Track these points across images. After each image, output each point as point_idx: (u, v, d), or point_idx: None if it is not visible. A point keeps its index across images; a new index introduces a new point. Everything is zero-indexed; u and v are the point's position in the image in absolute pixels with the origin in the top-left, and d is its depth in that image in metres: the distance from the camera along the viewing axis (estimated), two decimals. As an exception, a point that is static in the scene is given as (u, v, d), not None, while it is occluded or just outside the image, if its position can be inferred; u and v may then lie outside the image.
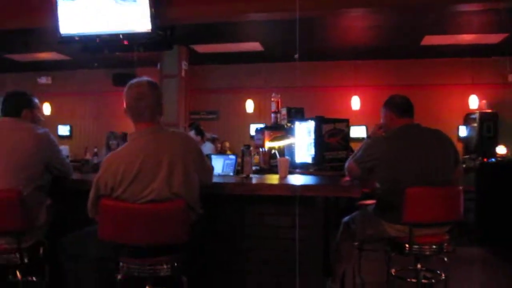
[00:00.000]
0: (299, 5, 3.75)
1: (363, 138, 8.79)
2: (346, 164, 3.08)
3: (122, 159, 2.17)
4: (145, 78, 2.36)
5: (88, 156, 3.78)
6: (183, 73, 7.43)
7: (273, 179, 3.14)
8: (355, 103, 8.90)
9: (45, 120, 3.02)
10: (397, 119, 2.98)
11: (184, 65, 7.43)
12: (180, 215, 2.14)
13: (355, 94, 8.92)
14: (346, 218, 3.23)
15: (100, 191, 2.18)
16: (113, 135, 7.10)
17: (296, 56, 8.01)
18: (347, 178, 3.06)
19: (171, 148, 2.21)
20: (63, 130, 10.49)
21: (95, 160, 4.82)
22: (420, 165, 2.79)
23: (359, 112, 8.89)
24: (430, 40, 7.45)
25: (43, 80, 10.33)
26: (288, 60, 7.30)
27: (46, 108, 9.89)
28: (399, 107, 3.00)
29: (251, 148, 3.64)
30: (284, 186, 2.64)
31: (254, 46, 7.94)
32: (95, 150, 6.18)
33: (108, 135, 7.13)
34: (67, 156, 3.31)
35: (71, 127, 10.53)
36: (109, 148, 6.90)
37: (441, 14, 5.80)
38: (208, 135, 6.56)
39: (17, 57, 8.77)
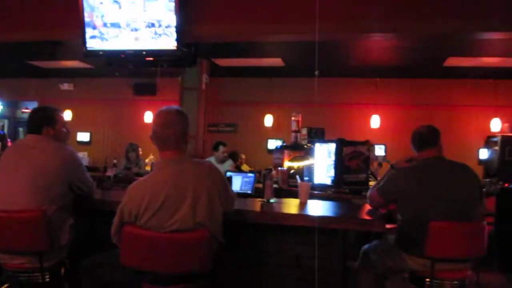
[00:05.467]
0: (319, 28, 3.73)
1: (382, 157, 8.77)
2: (369, 193, 3.07)
3: (147, 189, 2.19)
4: (174, 106, 2.38)
5: (109, 173, 3.79)
6: (203, 86, 7.47)
7: (294, 205, 3.14)
8: (375, 121, 8.83)
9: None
10: (419, 153, 2.97)
11: (205, 78, 7.47)
12: (204, 245, 2.14)
13: (375, 113, 8.86)
14: (365, 247, 3.19)
15: (124, 218, 2.21)
16: (132, 147, 7.21)
17: (317, 73, 8.01)
18: (369, 207, 3.05)
19: (196, 178, 2.23)
20: (83, 136, 10.61)
21: (115, 171, 4.87)
22: (443, 199, 2.76)
23: (378, 131, 8.83)
24: (453, 61, 7.39)
25: (65, 86, 10.49)
26: (309, 76, 7.28)
27: (67, 115, 10.03)
28: (418, 140, 2.99)
29: (273, 171, 3.65)
30: (304, 217, 2.63)
31: (275, 61, 7.97)
32: (115, 161, 6.25)
33: (127, 147, 7.27)
34: (86, 166, 3.32)
35: (91, 133, 10.65)
36: (128, 160, 7.02)
37: (464, 40, 5.76)
38: (222, 148, 6.62)
39: (41, 64, 8.92)
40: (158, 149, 2.32)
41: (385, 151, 8.93)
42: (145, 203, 2.14)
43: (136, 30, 4.56)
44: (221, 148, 6.61)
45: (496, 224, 5.36)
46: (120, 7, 4.62)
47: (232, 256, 2.60)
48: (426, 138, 2.97)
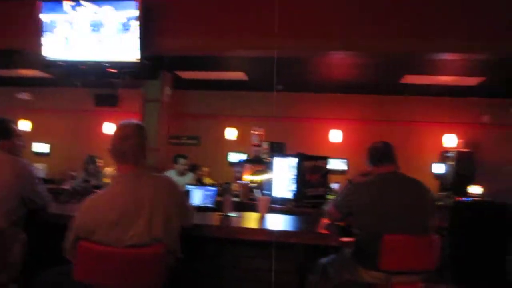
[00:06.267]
0: (279, 45, 3.82)
1: (342, 171, 8.93)
2: (327, 208, 3.12)
3: (103, 203, 2.16)
4: (134, 121, 2.37)
5: (66, 186, 3.72)
6: (165, 98, 7.42)
7: (253, 219, 3.16)
8: (334, 136, 9.01)
9: (23, 137, 2.95)
10: (374, 168, 3.04)
11: (167, 90, 7.43)
12: (158, 260, 2.12)
13: (335, 127, 9.04)
14: (323, 260, 3.24)
15: (79, 233, 2.16)
16: (91, 159, 7.06)
17: (280, 87, 8.14)
18: (327, 221, 3.10)
19: (153, 192, 2.21)
20: (42, 147, 10.30)
21: (73, 184, 4.76)
22: (398, 213, 2.83)
23: (340, 146, 9.00)
24: (409, 79, 7.64)
25: (23, 96, 10.17)
26: (271, 90, 7.38)
27: (25, 125, 9.73)
28: (373, 156, 3.06)
29: (233, 185, 3.67)
30: (262, 231, 2.65)
31: (239, 75, 8.02)
32: (73, 173, 6.13)
33: (86, 159, 7.11)
34: (43, 179, 3.24)
35: (50, 145, 10.35)
36: (87, 172, 6.88)
37: (420, 59, 5.98)
38: (182, 161, 6.61)
39: (-4, 71, 8.66)
40: (116, 163, 2.29)
41: (347, 166, 9.10)
42: (101, 218, 2.11)
43: (98, 42, 4.50)
44: (181, 161, 6.60)
45: (450, 235, 5.53)
46: (80, 5, 4.53)
47: (190, 269, 2.59)
48: (384, 153, 3.05)
